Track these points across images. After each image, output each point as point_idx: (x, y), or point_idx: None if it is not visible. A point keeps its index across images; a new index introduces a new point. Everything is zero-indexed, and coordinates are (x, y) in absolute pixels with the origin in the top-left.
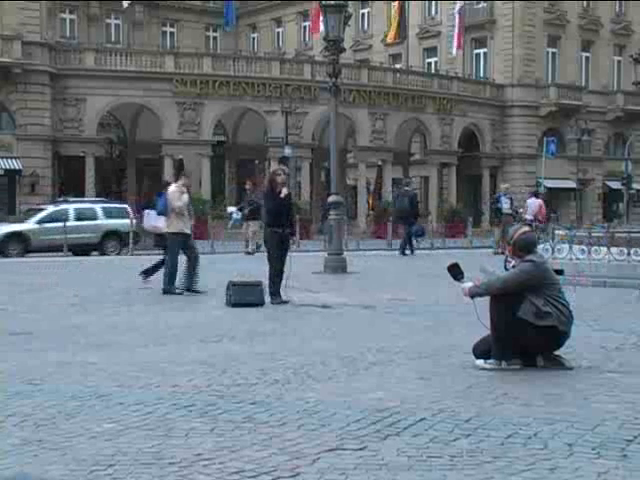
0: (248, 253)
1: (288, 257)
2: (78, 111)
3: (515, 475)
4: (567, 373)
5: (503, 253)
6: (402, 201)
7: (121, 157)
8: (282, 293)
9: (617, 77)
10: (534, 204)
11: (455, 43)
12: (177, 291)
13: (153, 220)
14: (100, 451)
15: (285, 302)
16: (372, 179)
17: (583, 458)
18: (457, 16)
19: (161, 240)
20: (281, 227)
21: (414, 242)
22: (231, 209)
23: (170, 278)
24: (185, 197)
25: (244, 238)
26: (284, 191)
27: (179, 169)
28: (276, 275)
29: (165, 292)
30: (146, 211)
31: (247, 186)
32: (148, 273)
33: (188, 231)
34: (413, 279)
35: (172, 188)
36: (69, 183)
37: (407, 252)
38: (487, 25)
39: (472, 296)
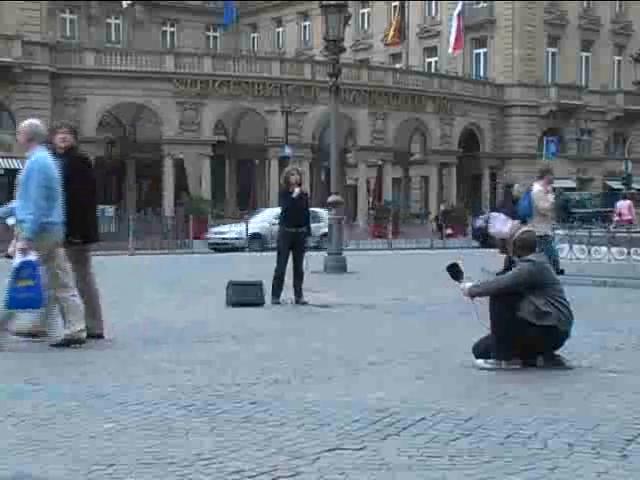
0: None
1: (305, 257)
2: (78, 111)
3: (515, 475)
4: (567, 373)
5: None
6: (502, 200)
7: (121, 157)
8: (304, 294)
9: (617, 77)
10: (623, 205)
11: (452, 44)
12: None
13: (499, 224)
14: (100, 451)
15: (279, 303)
16: (372, 179)
17: (583, 458)
18: (455, 18)
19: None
20: (294, 227)
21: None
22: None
23: None
24: (550, 197)
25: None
26: (297, 191)
27: (543, 171)
28: (279, 276)
29: None
30: (492, 214)
31: None
32: None
33: (551, 233)
34: (413, 279)
35: (537, 188)
36: None
37: None
38: (487, 25)
39: (472, 296)
